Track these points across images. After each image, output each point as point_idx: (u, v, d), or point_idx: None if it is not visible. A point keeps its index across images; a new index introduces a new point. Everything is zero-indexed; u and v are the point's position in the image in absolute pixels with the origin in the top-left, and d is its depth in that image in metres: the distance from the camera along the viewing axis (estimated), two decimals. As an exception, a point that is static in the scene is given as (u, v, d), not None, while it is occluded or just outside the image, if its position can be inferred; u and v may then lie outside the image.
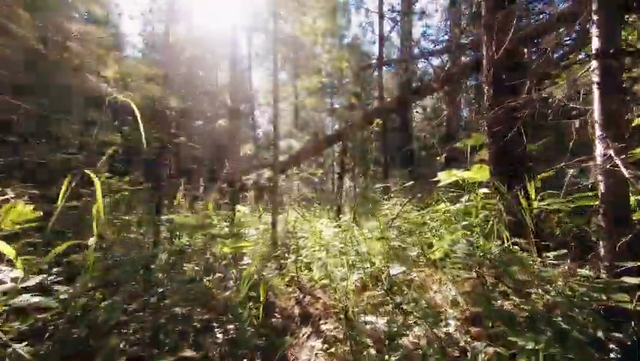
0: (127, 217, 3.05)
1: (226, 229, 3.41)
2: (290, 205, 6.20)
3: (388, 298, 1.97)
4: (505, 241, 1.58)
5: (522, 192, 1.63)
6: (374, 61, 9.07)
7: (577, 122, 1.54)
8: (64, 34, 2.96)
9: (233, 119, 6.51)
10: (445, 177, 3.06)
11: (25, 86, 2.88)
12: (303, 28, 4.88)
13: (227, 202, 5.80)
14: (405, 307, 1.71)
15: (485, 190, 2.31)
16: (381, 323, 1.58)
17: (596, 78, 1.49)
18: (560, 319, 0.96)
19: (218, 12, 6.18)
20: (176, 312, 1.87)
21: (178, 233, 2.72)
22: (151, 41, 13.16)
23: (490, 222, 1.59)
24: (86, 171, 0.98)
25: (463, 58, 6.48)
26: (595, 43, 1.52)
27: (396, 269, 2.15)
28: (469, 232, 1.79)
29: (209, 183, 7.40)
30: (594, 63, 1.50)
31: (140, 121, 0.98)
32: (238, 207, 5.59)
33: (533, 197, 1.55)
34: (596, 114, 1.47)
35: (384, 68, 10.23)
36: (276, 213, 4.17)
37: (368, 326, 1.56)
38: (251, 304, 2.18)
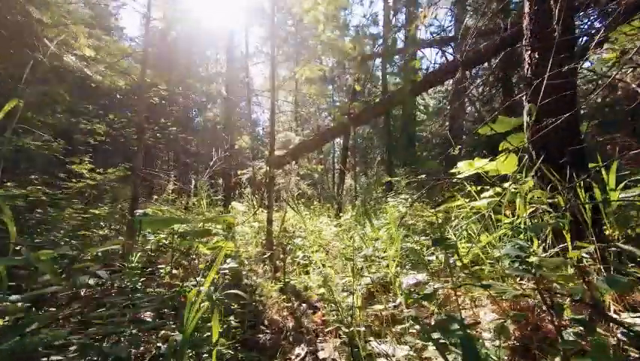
0: (96, 211, 2.65)
1: (218, 227, 3.02)
2: (287, 202, 5.80)
3: (403, 314, 1.56)
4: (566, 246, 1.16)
5: (584, 183, 1.23)
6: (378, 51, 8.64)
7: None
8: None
9: (229, 110, 6.10)
10: (464, 169, 2.63)
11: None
12: (303, 7, 4.44)
13: (221, 198, 5.41)
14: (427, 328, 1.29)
15: (509, 184, 1.90)
16: (399, 354, 1.16)
17: None
18: None
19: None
20: (135, 328, 1.46)
21: (151, 230, 2.31)
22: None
23: (550, 220, 1.18)
24: None
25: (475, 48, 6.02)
26: None
27: (411, 278, 1.73)
28: (510, 232, 1.39)
29: (202, 176, 7.00)
30: None
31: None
32: (233, 203, 5.20)
33: (613, 186, 1.14)
34: None
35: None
36: (272, 211, 3.78)
37: (381, 360, 1.15)
38: (232, 318, 1.79)
